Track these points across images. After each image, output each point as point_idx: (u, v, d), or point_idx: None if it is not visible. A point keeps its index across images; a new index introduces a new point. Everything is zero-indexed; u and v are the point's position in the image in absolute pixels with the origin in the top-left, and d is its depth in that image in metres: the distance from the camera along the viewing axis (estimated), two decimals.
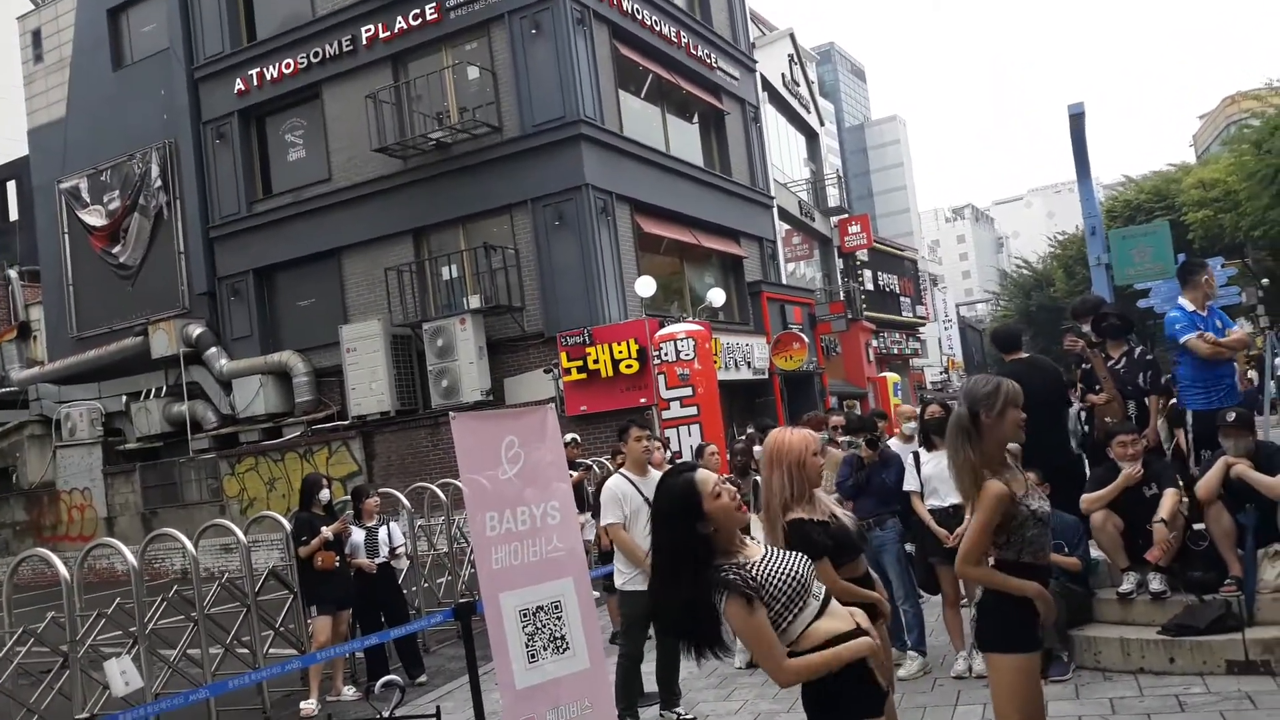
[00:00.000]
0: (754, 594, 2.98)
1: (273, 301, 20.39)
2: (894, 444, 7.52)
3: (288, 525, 8.71)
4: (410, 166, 18.04)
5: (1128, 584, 6.46)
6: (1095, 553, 6.77)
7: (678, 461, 11.16)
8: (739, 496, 3.24)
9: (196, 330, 20.19)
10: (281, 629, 8.91)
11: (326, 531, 8.18)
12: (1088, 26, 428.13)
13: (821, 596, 3.16)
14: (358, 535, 8.59)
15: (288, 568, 8.91)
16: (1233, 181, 29.64)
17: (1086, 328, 7.47)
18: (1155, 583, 6.35)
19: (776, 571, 3.07)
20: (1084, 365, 7.49)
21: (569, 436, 9.87)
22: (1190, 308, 6.94)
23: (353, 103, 18.53)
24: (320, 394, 19.12)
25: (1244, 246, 30.24)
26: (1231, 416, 6.35)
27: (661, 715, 6.34)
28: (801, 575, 3.10)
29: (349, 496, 8.77)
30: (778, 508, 3.96)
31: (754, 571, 3.04)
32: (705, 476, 3.16)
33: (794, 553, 3.21)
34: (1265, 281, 30.42)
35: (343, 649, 7.75)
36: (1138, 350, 7.36)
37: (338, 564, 8.24)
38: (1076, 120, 11.43)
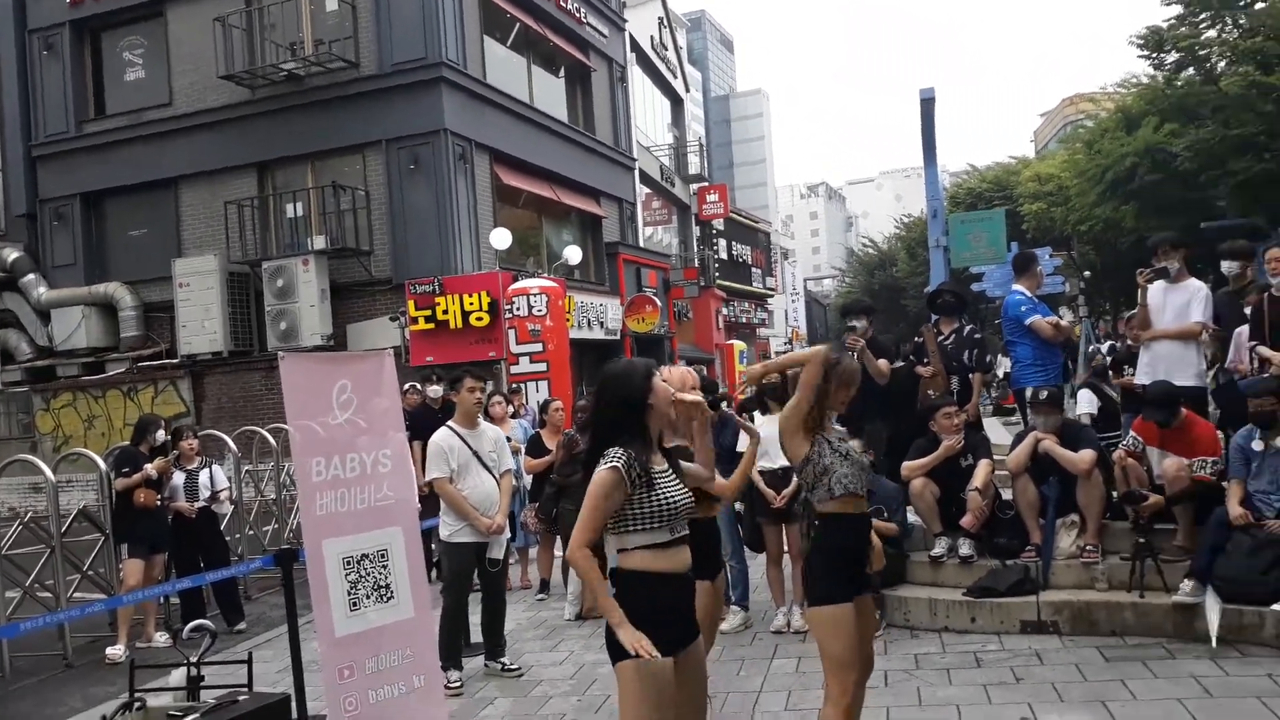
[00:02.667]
0: (627, 478, 3.19)
1: (100, 229, 19.12)
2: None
3: (103, 465, 8.25)
4: (258, 97, 17.15)
5: (939, 548, 6.82)
6: (912, 518, 7.11)
7: (523, 413, 11.12)
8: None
9: (13, 255, 18.74)
10: (90, 572, 8.46)
11: (150, 468, 7.79)
12: (944, 18, 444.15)
13: (677, 536, 3.30)
14: (177, 478, 8.22)
15: (100, 509, 8.44)
16: (1065, 178, 31.34)
17: (861, 324, 7.72)
18: (964, 547, 6.73)
19: (665, 487, 3.29)
20: (917, 339, 7.86)
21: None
22: (1028, 294, 7.43)
23: (199, 25, 17.42)
24: (149, 329, 18.11)
25: (1071, 240, 32.10)
26: (1043, 395, 6.77)
27: (486, 665, 6.33)
28: (679, 504, 3.30)
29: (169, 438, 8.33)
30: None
31: (651, 469, 3.28)
32: (658, 373, 3.46)
33: (683, 485, 3.40)
34: (1087, 274, 32.45)
35: (154, 592, 7.42)
36: (967, 329, 7.74)
37: (158, 504, 7.87)
38: (927, 105, 11.85)
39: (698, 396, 3.77)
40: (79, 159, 18.67)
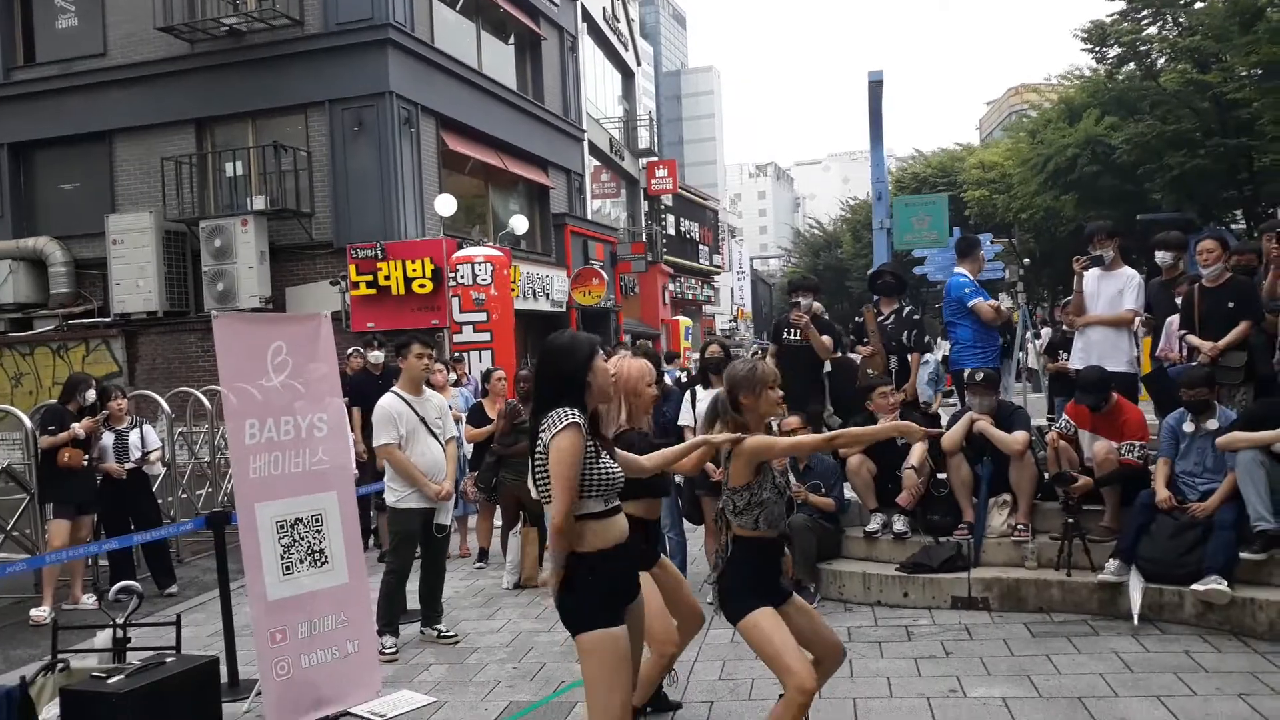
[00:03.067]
0: (585, 435, 3.30)
1: (29, 181, 18.44)
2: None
3: (29, 423, 8.01)
4: (197, 51, 16.64)
5: (874, 524, 6.93)
6: (849, 494, 7.21)
7: (465, 382, 11.04)
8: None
9: None
10: (15, 533, 8.23)
11: (77, 427, 7.60)
12: (895, 5, 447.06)
13: (613, 506, 3.41)
14: (106, 439, 8.02)
15: (26, 468, 8.21)
16: (1009, 166, 31.87)
17: (806, 300, 7.79)
18: (899, 524, 6.85)
19: (604, 458, 3.41)
20: (857, 319, 7.96)
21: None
22: (970, 276, 7.58)
23: None
24: (80, 287, 17.56)
25: (1012, 227, 32.67)
26: (980, 376, 6.89)
27: (422, 632, 6.29)
28: (617, 475, 3.42)
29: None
30: (610, 427, 3.99)
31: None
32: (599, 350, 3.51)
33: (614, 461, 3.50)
34: (1026, 261, 33.06)
35: (78, 552, 7.25)
36: (907, 309, 7.83)
37: (85, 464, 7.67)
38: (875, 87, 11.90)
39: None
40: (6, 107, 17.94)
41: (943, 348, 10.13)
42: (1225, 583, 5.52)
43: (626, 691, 3.36)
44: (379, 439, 6.00)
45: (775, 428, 5.83)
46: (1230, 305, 6.54)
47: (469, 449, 8.76)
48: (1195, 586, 5.61)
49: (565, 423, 3.26)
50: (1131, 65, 24.13)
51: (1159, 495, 5.98)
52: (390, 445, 5.96)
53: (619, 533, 3.40)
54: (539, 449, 3.34)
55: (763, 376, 3.82)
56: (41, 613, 7.36)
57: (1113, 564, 5.94)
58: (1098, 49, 24.03)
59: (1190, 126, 21.62)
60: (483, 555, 8.54)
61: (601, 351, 3.53)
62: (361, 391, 8.80)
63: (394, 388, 6.21)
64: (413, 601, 6.55)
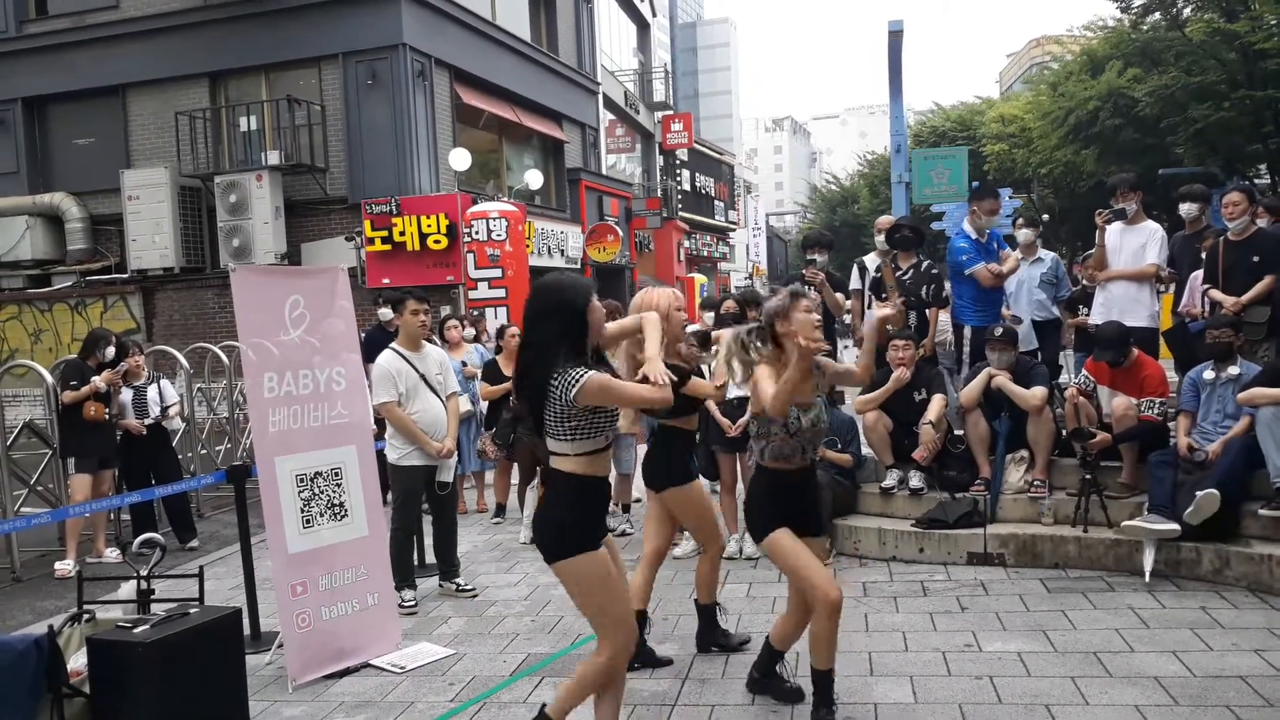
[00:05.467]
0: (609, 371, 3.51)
1: (44, 136, 18.44)
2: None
3: (50, 378, 8.07)
4: (210, 3, 16.51)
5: (890, 480, 6.92)
6: (866, 450, 7.20)
7: (484, 339, 11.02)
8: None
9: None
10: (39, 488, 8.33)
11: (99, 380, 7.64)
12: None
13: (606, 445, 3.51)
14: (125, 395, 8.07)
15: (47, 423, 8.28)
16: (1029, 119, 31.42)
17: (823, 258, 7.92)
18: (915, 480, 6.84)
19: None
20: (876, 274, 7.88)
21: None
22: (973, 235, 7.47)
23: None
24: (97, 243, 17.62)
25: (1031, 183, 32.31)
26: (999, 332, 6.83)
27: (441, 586, 6.35)
28: (615, 416, 3.50)
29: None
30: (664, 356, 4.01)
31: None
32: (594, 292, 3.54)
33: None
34: (1045, 217, 32.73)
35: (101, 505, 7.33)
36: (924, 264, 7.75)
37: (108, 416, 7.74)
38: (895, 37, 11.71)
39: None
40: (20, 61, 17.90)
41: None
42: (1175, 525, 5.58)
43: (625, 598, 3.63)
44: (378, 397, 5.94)
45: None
46: (1255, 259, 6.46)
47: (484, 406, 8.77)
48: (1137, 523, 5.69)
49: (579, 384, 3.28)
50: (1157, 15, 23.67)
51: (1181, 444, 5.96)
52: (390, 403, 5.93)
53: (605, 467, 3.55)
54: (553, 397, 3.34)
55: (791, 300, 3.90)
56: (66, 565, 7.47)
57: (1151, 517, 5.79)
58: None
59: (1216, 78, 21.22)
60: (500, 511, 8.59)
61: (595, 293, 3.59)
62: (375, 348, 8.79)
63: (392, 344, 6.19)
64: (432, 556, 6.61)
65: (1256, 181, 23.36)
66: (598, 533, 3.50)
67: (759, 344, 3.95)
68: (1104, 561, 6.02)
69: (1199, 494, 5.57)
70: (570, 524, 3.45)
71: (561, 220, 20.84)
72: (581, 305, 3.41)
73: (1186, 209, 7.31)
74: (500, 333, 9.13)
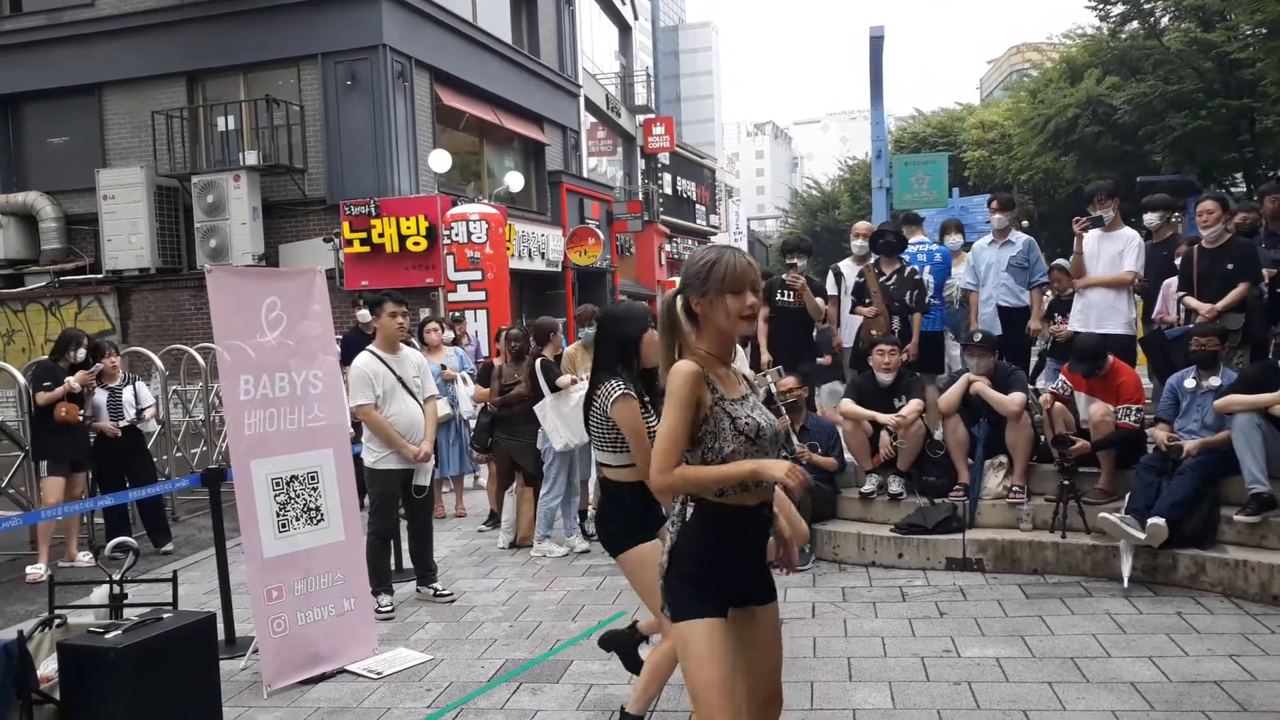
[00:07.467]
0: (637, 398, 3.68)
1: (19, 134, 18.24)
2: None
3: (22, 379, 7.96)
4: (188, 2, 16.38)
5: (870, 485, 6.94)
6: (849, 455, 7.21)
7: (465, 342, 10.94)
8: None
9: None
10: (10, 490, 8.22)
11: (72, 381, 7.55)
12: None
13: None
14: (99, 397, 7.98)
15: (19, 425, 8.18)
16: (1009, 126, 31.62)
17: (803, 263, 8.10)
18: (894, 485, 6.85)
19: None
20: (859, 280, 7.88)
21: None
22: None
23: None
24: (72, 243, 17.43)
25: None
26: (977, 337, 6.86)
27: (418, 591, 6.30)
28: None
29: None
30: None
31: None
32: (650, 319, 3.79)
33: None
34: (1025, 224, 32.91)
35: (73, 508, 7.25)
36: (907, 269, 7.77)
37: (81, 418, 7.64)
38: (876, 43, 11.76)
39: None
40: None
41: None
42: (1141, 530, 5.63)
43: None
44: (355, 399, 5.89)
45: (773, 388, 5.81)
46: (1229, 267, 6.51)
47: (466, 409, 8.71)
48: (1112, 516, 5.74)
49: (616, 393, 3.65)
50: (1135, 24, 23.88)
51: (1160, 437, 6.00)
52: (367, 406, 5.88)
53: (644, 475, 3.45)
54: (595, 407, 3.74)
55: (726, 271, 2.66)
56: (37, 570, 7.37)
57: (1128, 517, 5.80)
58: (1101, 6, 23.77)
59: (1193, 87, 21.44)
60: (492, 518, 8.40)
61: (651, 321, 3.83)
62: (352, 350, 8.72)
63: (370, 346, 6.14)
64: (409, 561, 6.55)
65: (1232, 190, 23.61)
66: (650, 525, 3.69)
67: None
68: (1082, 567, 6.05)
69: (1150, 520, 5.61)
70: (623, 525, 3.78)
71: (542, 223, 20.80)
72: (636, 335, 3.76)
73: (1150, 219, 7.39)
74: (499, 336, 9.04)
